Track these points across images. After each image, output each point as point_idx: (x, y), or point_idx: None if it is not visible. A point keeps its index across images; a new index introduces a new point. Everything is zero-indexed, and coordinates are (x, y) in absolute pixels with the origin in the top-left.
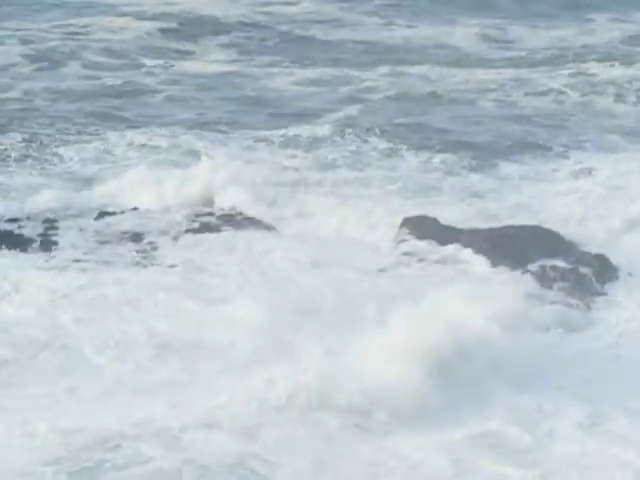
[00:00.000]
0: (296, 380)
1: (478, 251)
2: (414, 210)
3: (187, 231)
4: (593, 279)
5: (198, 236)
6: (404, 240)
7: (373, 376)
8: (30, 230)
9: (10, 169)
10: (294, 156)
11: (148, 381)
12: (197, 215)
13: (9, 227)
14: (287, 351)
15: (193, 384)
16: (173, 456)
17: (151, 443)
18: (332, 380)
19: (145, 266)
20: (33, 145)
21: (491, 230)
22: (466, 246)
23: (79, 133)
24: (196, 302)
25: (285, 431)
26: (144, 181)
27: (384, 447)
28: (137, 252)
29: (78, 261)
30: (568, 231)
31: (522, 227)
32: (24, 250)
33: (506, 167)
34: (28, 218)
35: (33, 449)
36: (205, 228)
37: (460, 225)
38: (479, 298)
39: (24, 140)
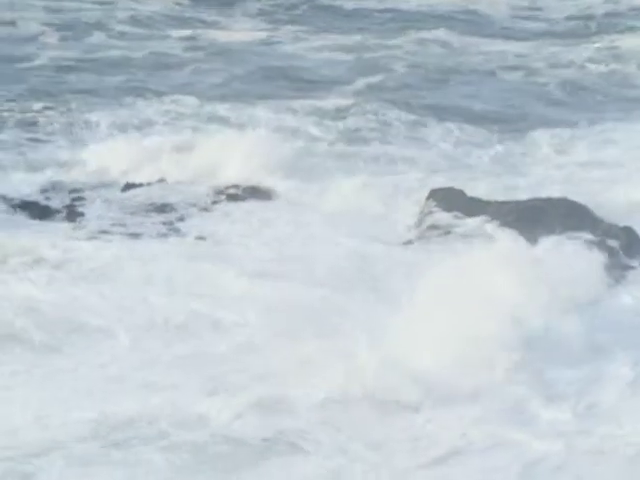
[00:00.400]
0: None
1: (505, 224)
2: (441, 182)
3: (214, 202)
4: (620, 252)
5: (225, 208)
6: (431, 212)
7: (423, 358)
8: (56, 201)
9: (37, 138)
10: (320, 125)
11: (174, 357)
12: (224, 186)
13: (35, 197)
14: (326, 329)
15: (223, 360)
16: (204, 432)
17: (182, 421)
18: (384, 364)
19: (172, 238)
20: (60, 114)
21: (518, 202)
22: (493, 218)
23: (105, 103)
24: (224, 275)
25: (331, 412)
26: (170, 151)
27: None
28: (164, 224)
29: (105, 233)
30: (594, 203)
31: (548, 199)
32: (50, 221)
33: (531, 139)
34: (54, 189)
35: (67, 425)
36: (232, 199)
37: (487, 197)
38: (523, 277)
39: (51, 109)
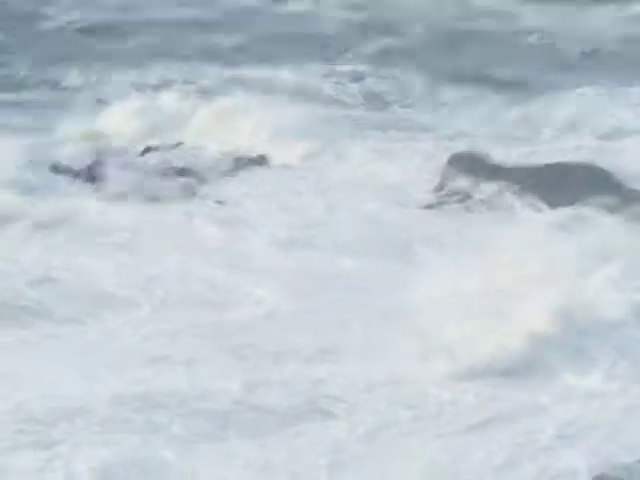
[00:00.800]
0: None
1: (525, 188)
2: (461, 147)
3: (233, 167)
4: None
5: (243, 172)
6: (451, 177)
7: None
8: (75, 164)
9: (56, 101)
10: (337, 88)
11: (196, 326)
12: (242, 151)
13: (54, 161)
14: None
15: (247, 330)
16: (226, 400)
17: (203, 390)
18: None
19: (191, 201)
20: (80, 77)
21: (538, 167)
22: (514, 183)
23: (125, 66)
24: (247, 242)
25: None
26: (189, 114)
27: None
28: (183, 188)
29: (124, 196)
30: (616, 168)
31: (569, 164)
32: (68, 184)
33: (550, 104)
34: (72, 152)
35: (90, 393)
36: (250, 164)
37: (507, 162)
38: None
39: (70, 72)
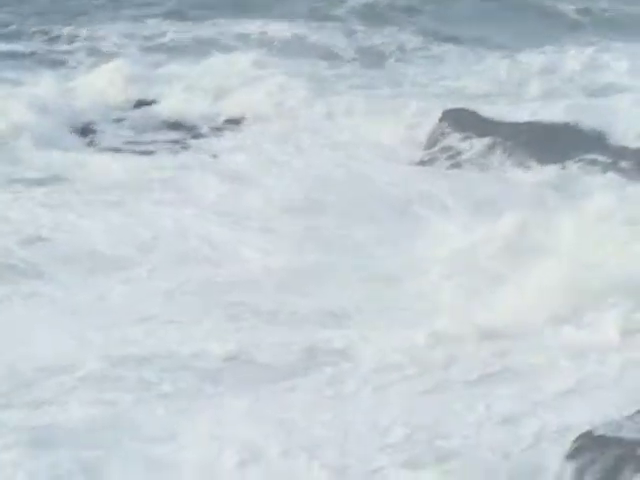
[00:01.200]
0: None
1: (517, 145)
2: (454, 103)
3: (227, 121)
4: (633, 173)
5: (237, 126)
6: (443, 133)
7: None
8: (69, 118)
9: (49, 57)
10: (328, 43)
11: (192, 285)
12: (235, 104)
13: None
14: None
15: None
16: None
17: (198, 348)
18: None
19: (185, 155)
20: (73, 33)
21: (530, 124)
22: (505, 139)
23: (117, 21)
24: (244, 198)
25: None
26: (181, 69)
27: None
28: (175, 142)
29: (117, 150)
30: (607, 126)
31: (560, 122)
32: (61, 139)
33: (544, 62)
34: (69, 105)
35: (83, 347)
36: (242, 119)
37: (499, 119)
38: None
39: (63, 28)
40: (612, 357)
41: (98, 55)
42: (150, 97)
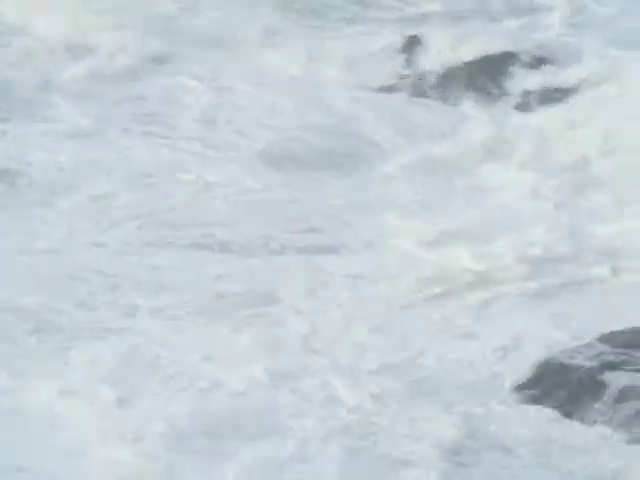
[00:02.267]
0: None
1: (479, 72)
2: (418, 29)
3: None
4: None
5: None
6: (407, 60)
7: None
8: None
9: None
10: None
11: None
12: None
13: None
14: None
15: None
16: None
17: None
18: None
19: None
20: None
21: (491, 54)
22: (467, 67)
23: None
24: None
25: None
26: None
27: None
28: None
29: None
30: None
31: (506, 51)
32: None
33: None
34: None
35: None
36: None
37: (462, 45)
38: None
39: None
40: None
41: None
42: None
